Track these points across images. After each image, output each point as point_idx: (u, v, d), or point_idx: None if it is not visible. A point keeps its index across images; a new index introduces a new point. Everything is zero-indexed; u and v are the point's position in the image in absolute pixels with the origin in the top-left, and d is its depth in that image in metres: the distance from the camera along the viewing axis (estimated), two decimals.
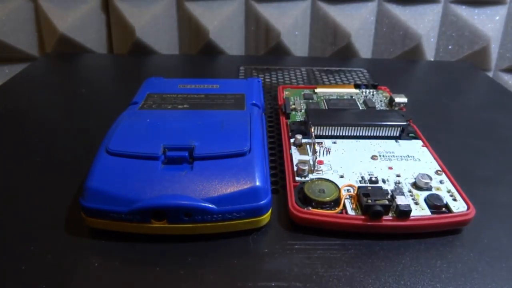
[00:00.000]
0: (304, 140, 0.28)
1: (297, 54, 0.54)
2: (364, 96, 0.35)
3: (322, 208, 0.21)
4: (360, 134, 0.28)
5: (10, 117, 0.34)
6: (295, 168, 0.25)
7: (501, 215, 0.23)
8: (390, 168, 0.25)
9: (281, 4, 0.52)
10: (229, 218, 0.20)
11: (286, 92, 0.36)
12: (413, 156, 0.26)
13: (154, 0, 0.52)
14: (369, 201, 0.21)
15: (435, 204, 0.22)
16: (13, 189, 0.25)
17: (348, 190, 0.23)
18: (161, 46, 0.53)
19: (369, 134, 0.28)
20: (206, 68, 0.48)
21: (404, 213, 0.21)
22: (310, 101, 0.34)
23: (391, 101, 0.33)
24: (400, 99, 0.33)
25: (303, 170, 0.24)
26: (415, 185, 0.23)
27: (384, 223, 0.21)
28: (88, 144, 0.26)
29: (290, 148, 0.27)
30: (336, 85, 0.40)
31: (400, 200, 0.21)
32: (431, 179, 0.23)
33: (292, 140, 0.28)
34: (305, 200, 0.22)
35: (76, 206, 0.23)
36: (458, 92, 0.42)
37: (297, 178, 0.24)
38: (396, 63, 0.53)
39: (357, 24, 0.53)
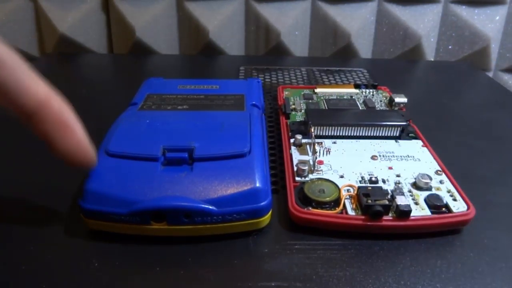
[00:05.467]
0: (304, 140, 0.28)
1: (297, 54, 0.54)
2: (364, 96, 0.35)
3: (322, 208, 0.21)
4: (360, 134, 0.28)
5: (10, 117, 0.34)
6: (295, 168, 0.25)
7: (501, 215, 0.23)
8: (390, 168, 0.25)
9: (281, 4, 0.52)
10: (229, 219, 0.20)
11: (286, 92, 0.36)
12: (413, 156, 0.26)
13: (154, 0, 0.52)
14: (369, 201, 0.21)
15: (435, 204, 0.22)
16: (13, 189, 0.25)
17: (348, 190, 0.23)
18: (161, 46, 0.53)
19: (369, 134, 0.28)
20: (206, 68, 0.48)
21: (404, 213, 0.21)
22: (310, 101, 0.34)
23: (391, 101, 0.33)
24: (400, 99, 0.33)
25: (303, 170, 0.24)
26: (415, 185, 0.23)
27: (384, 223, 0.21)
28: None
29: (290, 148, 0.27)
30: (336, 85, 0.41)
31: (400, 200, 0.21)
32: (431, 179, 0.23)
33: (292, 140, 0.28)
34: (305, 200, 0.22)
35: (76, 206, 0.23)
36: (458, 92, 0.42)
37: (297, 178, 0.24)
38: (396, 63, 0.53)
39: (357, 24, 0.53)
